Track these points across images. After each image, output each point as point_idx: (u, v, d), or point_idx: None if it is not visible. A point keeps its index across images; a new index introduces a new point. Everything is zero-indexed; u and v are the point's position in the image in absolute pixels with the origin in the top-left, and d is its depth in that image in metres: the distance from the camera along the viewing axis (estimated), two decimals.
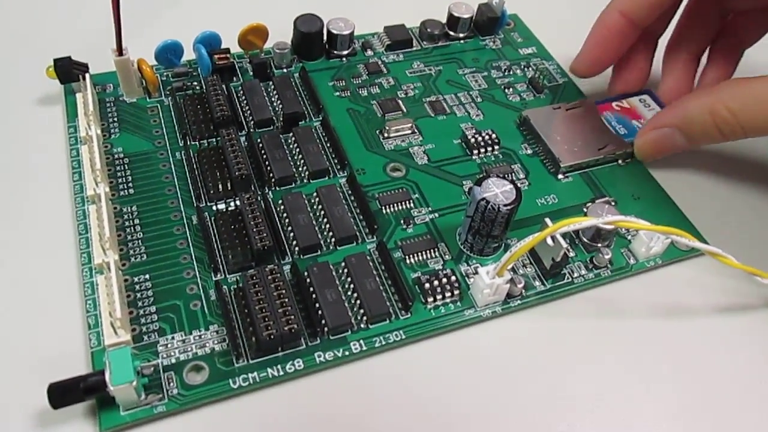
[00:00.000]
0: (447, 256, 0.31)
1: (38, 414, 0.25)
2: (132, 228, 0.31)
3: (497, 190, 0.29)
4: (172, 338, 0.27)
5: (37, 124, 0.36)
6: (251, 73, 0.38)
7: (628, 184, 0.35)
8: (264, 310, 0.27)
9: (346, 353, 0.27)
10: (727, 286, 0.32)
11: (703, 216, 0.34)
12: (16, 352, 0.27)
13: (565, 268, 0.31)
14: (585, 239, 0.32)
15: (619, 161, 0.36)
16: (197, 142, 0.34)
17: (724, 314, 0.31)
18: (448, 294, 0.29)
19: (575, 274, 0.31)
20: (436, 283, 0.29)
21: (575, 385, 0.28)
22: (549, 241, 0.29)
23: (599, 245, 0.32)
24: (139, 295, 0.28)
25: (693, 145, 0.34)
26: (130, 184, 0.32)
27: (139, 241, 0.30)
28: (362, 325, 0.28)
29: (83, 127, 0.33)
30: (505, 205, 0.29)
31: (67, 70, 0.35)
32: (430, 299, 0.29)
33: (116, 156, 0.34)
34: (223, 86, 0.36)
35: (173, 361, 0.27)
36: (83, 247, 0.30)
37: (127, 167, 0.33)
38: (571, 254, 0.32)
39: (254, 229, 0.29)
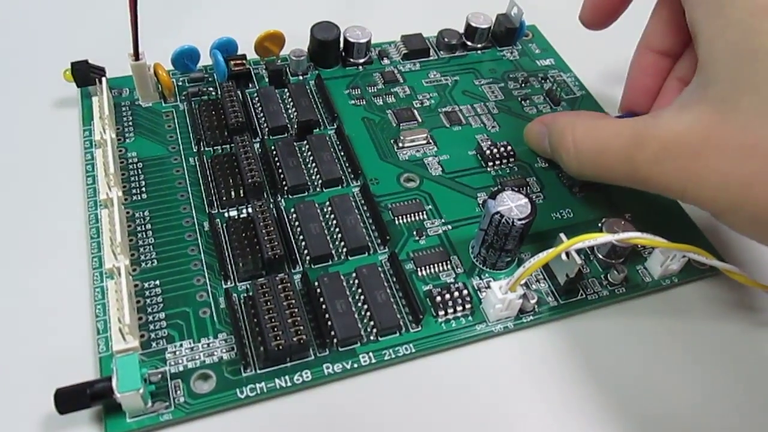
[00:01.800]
0: (459, 270, 0.31)
1: (45, 419, 0.25)
2: (144, 233, 0.31)
3: (512, 204, 0.29)
4: (181, 345, 0.27)
5: (53, 127, 0.36)
6: (267, 80, 0.38)
7: (646, 200, 0.35)
8: (273, 320, 0.27)
9: (355, 365, 0.27)
10: (745, 305, 0.31)
11: (722, 234, 0.34)
12: (24, 356, 0.27)
13: (579, 284, 0.31)
14: (600, 256, 0.32)
15: None
16: (211, 148, 0.34)
17: (741, 335, 0.30)
18: (459, 308, 0.29)
19: (589, 291, 0.31)
20: (447, 296, 0.29)
21: (587, 404, 0.28)
22: (563, 256, 0.29)
23: (614, 262, 0.31)
24: (148, 300, 0.28)
25: (555, 160, 0.33)
26: (143, 189, 0.32)
27: (151, 246, 0.30)
28: (372, 338, 0.28)
29: (98, 130, 0.33)
30: (520, 220, 0.28)
31: (84, 74, 0.35)
32: (441, 313, 0.29)
33: (130, 160, 0.34)
34: (239, 92, 0.36)
35: (181, 368, 0.26)
36: (95, 251, 0.30)
37: (140, 172, 0.33)
38: (586, 271, 0.31)
39: (265, 238, 0.29)
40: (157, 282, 0.29)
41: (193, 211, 0.32)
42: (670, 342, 0.30)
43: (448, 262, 0.31)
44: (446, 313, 0.29)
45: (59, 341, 0.28)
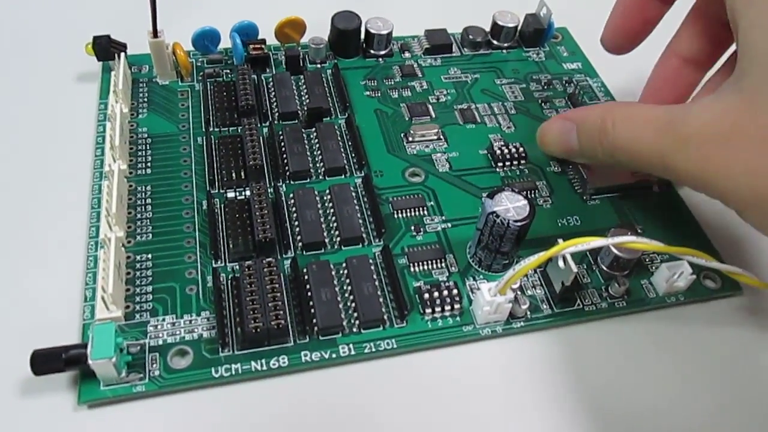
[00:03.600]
0: (453, 269, 0.30)
1: (24, 379, 0.26)
2: (143, 207, 0.31)
3: (509, 205, 0.28)
4: (163, 320, 0.27)
5: (73, 99, 0.37)
6: (284, 66, 0.38)
7: (660, 213, 0.33)
8: (254, 302, 0.26)
9: (333, 356, 0.27)
10: (751, 333, 0.30)
11: (740, 256, 0.32)
12: (12, 316, 0.28)
13: (577, 294, 0.30)
14: (603, 266, 0.30)
15: (655, 188, 0.34)
16: (218, 129, 0.34)
17: (744, 363, 0.29)
18: (447, 307, 0.28)
19: (587, 302, 0.29)
20: (436, 294, 0.28)
21: (568, 420, 0.26)
22: (560, 263, 0.28)
23: (618, 274, 0.30)
24: (138, 273, 0.29)
25: (582, 155, 0.31)
26: (149, 164, 0.33)
27: (148, 220, 0.30)
28: (354, 329, 0.28)
29: (111, 104, 0.33)
30: (516, 221, 0.27)
31: (105, 48, 0.36)
32: (429, 310, 0.28)
33: (140, 135, 0.34)
34: (254, 76, 0.36)
35: (160, 342, 0.27)
36: (93, 220, 0.30)
37: (148, 147, 0.34)
38: (586, 280, 0.30)
39: (259, 220, 0.29)
40: (149, 256, 0.29)
41: (194, 190, 0.32)
42: (667, 363, 0.29)
43: (443, 260, 0.30)
44: (434, 312, 0.28)
45: (50, 305, 0.28)
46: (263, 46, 0.38)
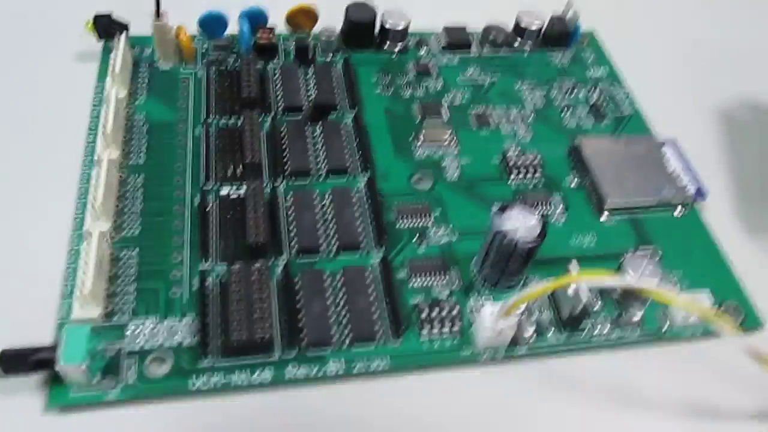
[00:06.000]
0: (456, 285, 0.28)
1: None
2: (133, 199, 0.29)
3: (519, 224, 0.26)
4: (143, 323, 0.26)
5: (71, 79, 0.35)
6: (293, 56, 0.36)
7: (681, 237, 0.31)
8: (239, 311, 0.25)
9: (320, 373, 0.25)
10: None
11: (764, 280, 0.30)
12: None
13: (587, 320, 0.28)
14: (614, 295, 0.28)
15: (676, 211, 0.32)
16: (218, 120, 0.33)
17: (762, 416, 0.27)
18: (446, 327, 0.26)
19: (596, 331, 0.27)
20: (436, 312, 0.27)
21: None
22: (570, 290, 0.26)
23: (631, 302, 0.28)
24: (121, 271, 0.27)
25: None
26: (142, 153, 0.31)
27: (136, 214, 0.29)
28: (344, 345, 0.26)
29: (107, 87, 0.32)
30: (525, 242, 0.25)
31: (106, 27, 0.34)
32: (426, 329, 0.26)
33: (136, 121, 0.32)
34: (259, 65, 0.34)
35: (138, 347, 0.25)
36: (79, 211, 0.29)
37: (145, 134, 0.32)
38: (596, 307, 0.28)
39: (252, 222, 0.28)
40: (134, 252, 0.28)
41: (188, 183, 0.30)
42: (682, 400, 0.27)
43: (446, 275, 0.28)
44: (431, 331, 0.26)
45: (28, 300, 0.27)
46: (272, 34, 0.36)
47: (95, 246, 0.26)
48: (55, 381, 0.24)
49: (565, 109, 0.36)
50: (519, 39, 0.39)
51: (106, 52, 0.35)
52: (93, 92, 0.34)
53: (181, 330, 0.26)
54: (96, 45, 0.36)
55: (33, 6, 0.39)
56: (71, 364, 0.23)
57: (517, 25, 0.39)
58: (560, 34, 0.39)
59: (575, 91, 0.37)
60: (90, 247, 0.26)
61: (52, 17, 0.38)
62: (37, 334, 0.25)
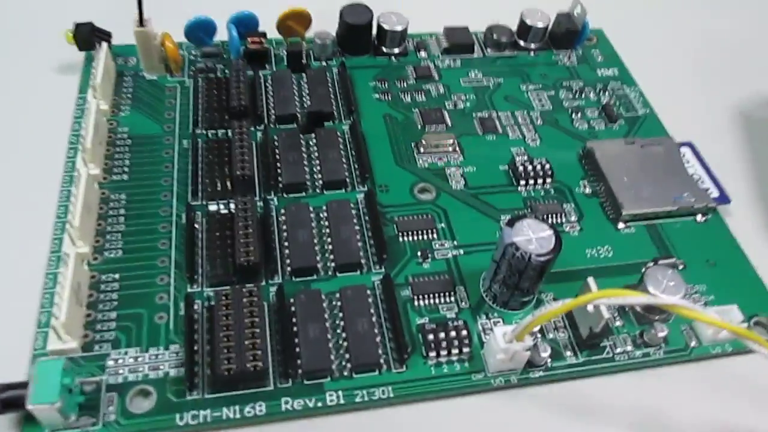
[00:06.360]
0: (464, 304, 0.26)
1: None
2: (115, 218, 0.27)
3: (532, 236, 0.24)
4: (125, 353, 0.24)
5: (51, 92, 0.33)
6: (285, 63, 0.34)
7: (704, 245, 0.29)
8: (229, 339, 0.23)
9: (319, 404, 0.23)
10: None
11: None
12: None
13: (606, 339, 0.26)
14: (637, 308, 0.26)
15: (697, 217, 0.30)
16: (206, 132, 0.31)
17: None
18: (455, 351, 0.24)
19: (618, 350, 0.25)
20: (443, 335, 0.24)
21: None
22: (589, 307, 0.24)
23: (655, 318, 0.26)
24: (102, 296, 0.25)
25: None
26: (126, 169, 0.29)
27: (120, 234, 0.27)
28: (345, 373, 0.24)
29: (88, 100, 0.30)
30: (539, 255, 0.23)
31: (87, 37, 0.32)
32: (433, 354, 0.24)
33: (119, 135, 0.30)
34: (249, 73, 0.32)
35: (120, 380, 0.23)
36: (58, 232, 0.27)
37: (128, 149, 0.30)
38: (617, 324, 0.26)
39: (242, 240, 0.25)
40: (117, 276, 0.26)
41: (174, 200, 0.28)
42: (710, 423, 0.24)
43: (453, 293, 0.26)
44: (438, 355, 0.24)
45: (3, 329, 0.25)
46: (263, 39, 0.34)
47: (71, 270, 0.24)
48: (29, 420, 0.22)
49: (575, 111, 0.34)
50: (524, 39, 0.37)
51: (89, 62, 0.34)
52: (75, 105, 0.32)
53: (166, 360, 0.23)
54: (78, 55, 0.34)
55: (12, 14, 0.37)
56: (42, 405, 0.20)
57: (521, 24, 0.37)
58: (567, 33, 0.37)
59: (585, 92, 0.35)
60: (66, 270, 0.24)
61: (32, 26, 0.36)
62: (11, 368, 0.23)
